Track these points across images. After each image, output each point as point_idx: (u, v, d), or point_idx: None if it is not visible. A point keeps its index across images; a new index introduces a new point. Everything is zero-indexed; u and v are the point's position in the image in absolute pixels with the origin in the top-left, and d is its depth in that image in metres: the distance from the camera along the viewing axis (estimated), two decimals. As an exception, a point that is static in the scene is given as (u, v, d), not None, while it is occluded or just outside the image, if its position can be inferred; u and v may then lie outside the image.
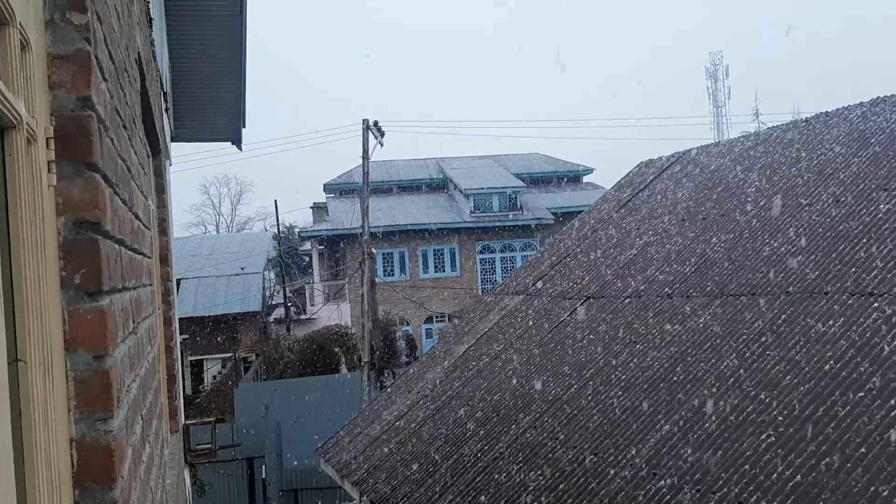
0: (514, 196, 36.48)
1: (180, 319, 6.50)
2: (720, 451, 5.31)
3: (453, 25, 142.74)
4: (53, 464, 1.11)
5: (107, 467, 1.26)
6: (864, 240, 6.55)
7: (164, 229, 5.06)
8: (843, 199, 7.48)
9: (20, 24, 1.03)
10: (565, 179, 41.13)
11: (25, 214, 1.03)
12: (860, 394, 4.89)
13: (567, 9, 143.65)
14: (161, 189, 5.07)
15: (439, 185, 39.18)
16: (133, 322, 1.89)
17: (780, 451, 4.93)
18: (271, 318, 36.44)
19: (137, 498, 1.64)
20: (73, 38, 1.28)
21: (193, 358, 29.62)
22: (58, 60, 1.27)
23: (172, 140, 7.98)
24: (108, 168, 1.49)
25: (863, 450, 4.46)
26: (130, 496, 1.49)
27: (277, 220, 37.52)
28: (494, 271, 35.87)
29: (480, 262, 36.02)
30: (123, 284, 1.68)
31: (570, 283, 10.16)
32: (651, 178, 12.15)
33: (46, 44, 1.25)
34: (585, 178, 41.93)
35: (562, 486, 6.15)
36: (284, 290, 34.58)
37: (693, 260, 8.42)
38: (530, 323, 9.80)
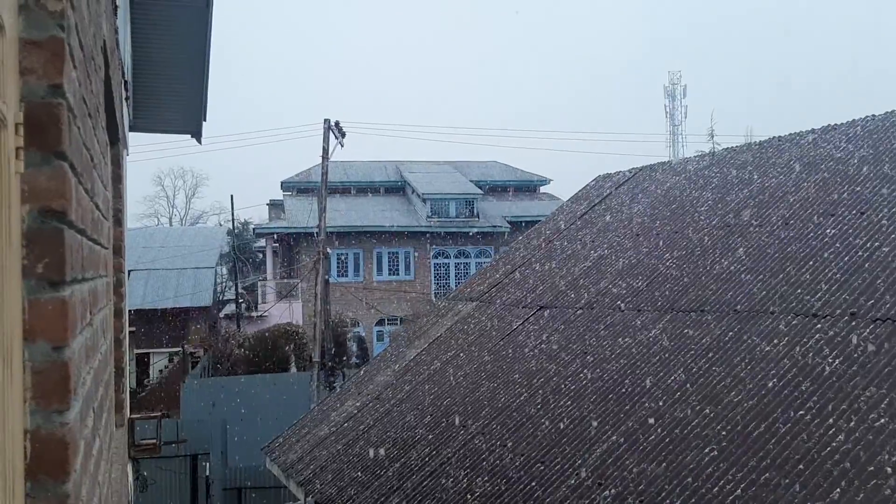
0: (471, 203, 36.64)
1: (128, 311, 6.39)
2: (664, 464, 5.41)
3: (419, 34, 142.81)
4: (8, 455, 1.09)
5: (61, 460, 1.25)
6: (811, 262, 6.74)
7: (119, 220, 4.97)
8: (791, 222, 7.69)
9: (-4, 8, 1.02)
10: (522, 189, 41.46)
11: (-7, 201, 1.02)
12: (800, 412, 5.04)
13: (532, 21, 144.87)
14: (118, 179, 4.98)
15: (397, 189, 39.14)
16: (90, 314, 1.86)
17: (721, 465, 5.05)
18: (222, 314, 35.93)
19: (87, 491, 1.62)
20: (47, 25, 1.27)
21: (140, 351, 29.05)
22: (30, 46, 1.25)
23: (130, 130, 7.84)
24: (75, 157, 1.47)
25: (800, 467, 4.59)
26: (81, 490, 1.47)
27: (233, 216, 37.06)
28: (448, 276, 35.94)
29: (435, 267, 36.07)
30: (83, 275, 1.66)
31: (524, 293, 10.25)
32: (607, 192, 12.33)
33: (19, 29, 1.23)
34: (542, 189, 42.30)
35: (508, 493, 6.20)
36: (236, 287, 34.15)
37: (645, 274, 8.56)
38: (483, 330, 9.85)
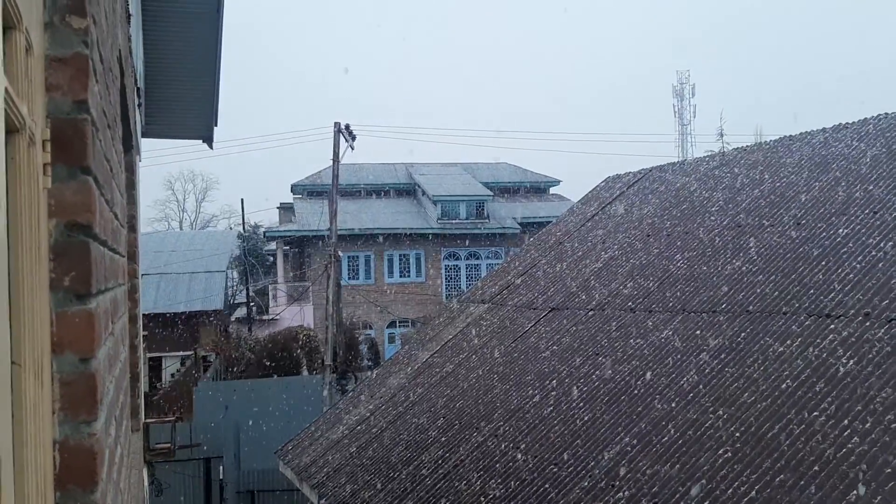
0: (481, 204, 36.65)
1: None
2: (678, 465, 5.40)
3: (426, 36, 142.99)
4: (39, 466, 1.11)
5: (89, 470, 1.27)
6: (823, 262, 6.72)
7: (133, 226, 5.00)
8: (803, 221, 7.67)
9: (25, 27, 1.04)
10: (532, 190, 41.46)
11: (24, 217, 1.04)
12: (815, 413, 5.02)
13: (539, 22, 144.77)
14: (132, 185, 5.01)
15: (408, 191, 39.19)
16: (112, 323, 1.88)
17: (736, 466, 5.04)
18: (233, 318, 36.06)
19: (111, 499, 1.64)
20: (72, 41, 1.29)
21: (152, 355, 29.17)
22: (56, 63, 1.27)
23: (142, 135, 7.89)
24: (98, 170, 1.50)
25: (816, 468, 4.58)
26: (107, 498, 1.50)
27: (243, 219, 37.23)
28: (459, 278, 35.96)
29: (446, 269, 36.10)
30: (106, 285, 1.69)
31: (536, 294, 10.25)
32: (617, 193, 12.32)
33: (45, 46, 1.26)
34: (552, 190, 42.29)
35: (521, 495, 6.20)
36: (248, 290, 34.27)
37: (656, 275, 8.55)
38: (495, 332, 9.86)
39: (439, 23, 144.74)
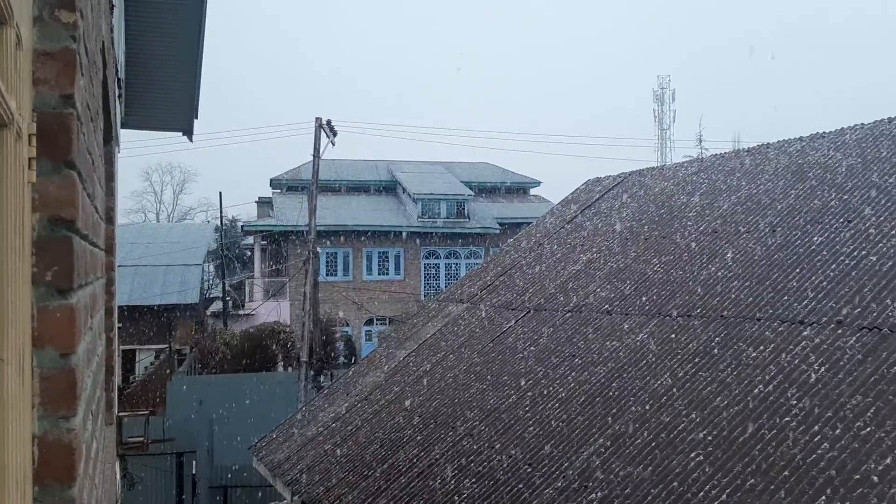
0: (462, 204, 36.67)
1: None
2: (650, 468, 5.46)
3: (409, 33, 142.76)
4: (19, 461, 1.11)
5: (68, 465, 1.26)
6: (798, 270, 6.81)
7: (110, 218, 4.95)
8: (779, 229, 7.77)
9: (16, 22, 1.04)
10: (513, 191, 41.56)
11: (10, 211, 1.04)
12: (786, 418, 5.10)
13: (522, 23, 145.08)
14: (110, 177, 4.97)
15: (388, 188, 39.12)
16: (90, 317, 1.88)
17: (707, 469, 5.10)
18: (209, 312, 35.79)
19: (87, 494, 1.64)
20: (60, 36, 1.29)
21: (126, 347, 28.91)
22: (43, 57, 1.27)
23: (122, 127, 7.82)
24: (82, 164, 1.49)
25: (786, 473, 4.64)
26: (83, 493, 1.49)
27: (221, 213, 36.91)
28: (438, 277, 35.96)
29: (425, 268, 36.08)
30: (86, 280, 1.68)
31: (514, 295, 10.29)
32: (597, 196, 12.40)
33: (34, 40, 1.25)
34: (532, 191, 42.41)
35: (495, 495, 6.23)
36: (224, 284, 34.03)
37: (633, 279, 8.62)
38: (473, 332, 9.89)
39: (420, 23, 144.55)
